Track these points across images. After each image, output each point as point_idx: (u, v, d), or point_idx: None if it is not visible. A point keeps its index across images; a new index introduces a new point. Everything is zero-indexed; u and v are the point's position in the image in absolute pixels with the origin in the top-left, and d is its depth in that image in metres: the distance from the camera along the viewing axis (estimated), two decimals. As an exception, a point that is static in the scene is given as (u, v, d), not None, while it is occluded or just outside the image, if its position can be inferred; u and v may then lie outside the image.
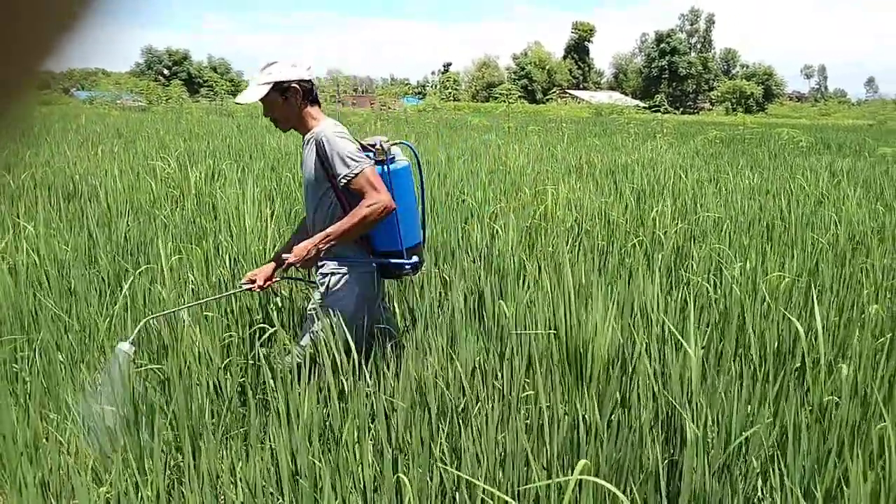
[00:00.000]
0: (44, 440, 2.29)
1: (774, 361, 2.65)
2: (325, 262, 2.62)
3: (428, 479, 1.95)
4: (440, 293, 3.57)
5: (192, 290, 3.46)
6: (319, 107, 2.74)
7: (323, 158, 2.57)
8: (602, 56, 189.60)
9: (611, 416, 2.27)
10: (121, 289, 3.30)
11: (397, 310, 3.30)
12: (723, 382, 2.29)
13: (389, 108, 32.10)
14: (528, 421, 2.20)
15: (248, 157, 9.01)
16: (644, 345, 2.48)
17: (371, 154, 2.63)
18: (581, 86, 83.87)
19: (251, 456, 2.04)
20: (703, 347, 2.59)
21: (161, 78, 39.86)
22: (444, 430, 2.07)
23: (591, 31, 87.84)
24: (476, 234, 4.61)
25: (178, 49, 77.66)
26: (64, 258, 4.04)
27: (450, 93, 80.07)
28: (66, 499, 2.02)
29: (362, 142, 2.68)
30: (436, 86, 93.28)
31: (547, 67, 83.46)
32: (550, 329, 2.65)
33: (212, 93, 31.96)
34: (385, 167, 2.60)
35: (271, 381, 2.38)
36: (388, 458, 1.88)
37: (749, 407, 2.27)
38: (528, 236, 4.72)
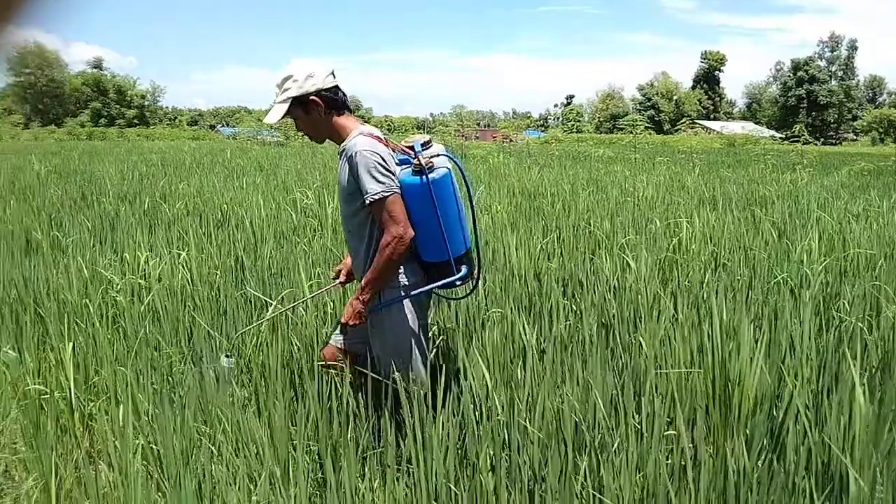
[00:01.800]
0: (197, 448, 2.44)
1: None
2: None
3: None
4: (569, 324, 3.51)
5: (330, 312, 3.60)
6: (350, 113, 2.58)
7: (353, 174, 2.44)
8: (733, 85, 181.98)
9: (758, 460, 2.13)
10: (266, 309, 3.49)
11: (526, 332, 3.27)
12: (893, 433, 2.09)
13: (512, 141, 32.31)
14: (670, 461, 2.11)
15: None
16: (796, 387, 2.32)
17: (409, 160, 2.48)
18: (711, 116, 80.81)
19: (388, 476, 2.08)
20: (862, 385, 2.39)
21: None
22: (582, 465, 2.02)
23: (721, 60, 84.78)
24: (606, 265, 4.52)
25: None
26: (214, 280, 4.34)
27: (572, 125, 79.67)
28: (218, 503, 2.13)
29: (403, 144, 2.53)
30: (558, 118, 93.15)
31: (675, 98, 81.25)
32: (693, 367, 2.54)
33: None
34: (424, 177, 2.41)
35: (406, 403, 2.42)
36: (526, 489, 1.85)
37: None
38: (661, 269, 4.57)
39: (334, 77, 2.54)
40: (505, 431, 2.23)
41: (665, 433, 2.23)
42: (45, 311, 3.84)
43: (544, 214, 6.90)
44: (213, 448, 2.45)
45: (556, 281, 4.10)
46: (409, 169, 2.47)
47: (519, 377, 2.71)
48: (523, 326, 3.18)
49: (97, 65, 72.61)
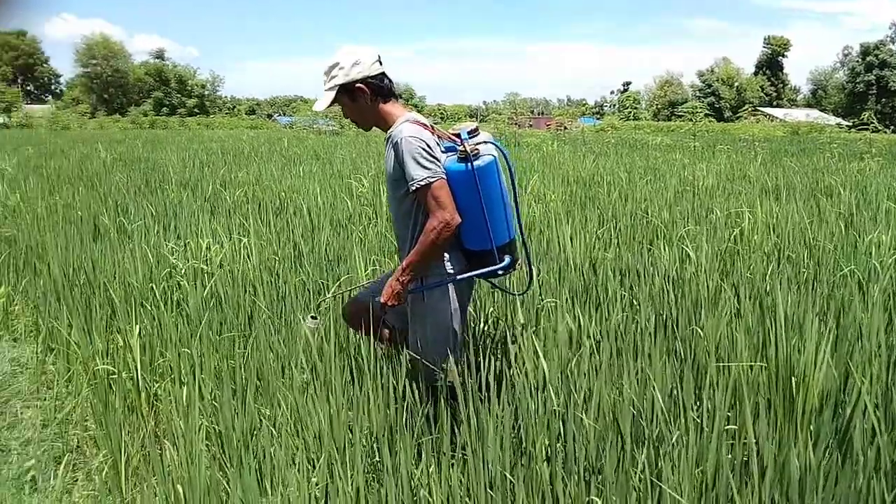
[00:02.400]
0: (258, 430, 2.51)
1: None
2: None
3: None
4: (626, 315, 3.46)
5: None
6: (396, 100, 2.58)
7: (399, 161, 2.43)
8: (798, 71, 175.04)
9: (823, 457, 2.07)
10: (324, 295, 3.55)
11: (581, 325, 3.24)
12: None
13: (566, 128, 31.93)
14: (731, 456, 2.06)
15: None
16: (865, 383, 2.24)
17: (455, 147, 2.47)
18: (774, 103, 78.00)
19: (443, 463, 2.10)
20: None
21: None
22: (640, 457, 2.00)
23: (785, 45, 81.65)
24: (664, 255, 4.43)
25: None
26: (273, 266, 4.43)
27: (629, 112, 78.16)
28: (278, 484, 2.18)
29: (450, 131, 2.51)
30: (614, 105, 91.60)
31: (736, 84, 78.76)
32: (756, 361, 2.47)
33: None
34: (469, 164, 2.40)
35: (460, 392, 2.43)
36: (583, 479, 1.84)
37: None
38: (721, 260, 4.46)
39: (381, 63, 2.55)
40: (560, 423, 2.22)
41: (725, 427, 2.18)
42: (113, 293, 3.98)
43: (600, 203, 6.81)
44: (273, 430, 2.51)
45: (613, 271, 4.04)
46: (455, 156, 2.46)
47: (574, 368, 2.69)
48: (577, 317, 3.15)
49: (159, 55, 74.78)
